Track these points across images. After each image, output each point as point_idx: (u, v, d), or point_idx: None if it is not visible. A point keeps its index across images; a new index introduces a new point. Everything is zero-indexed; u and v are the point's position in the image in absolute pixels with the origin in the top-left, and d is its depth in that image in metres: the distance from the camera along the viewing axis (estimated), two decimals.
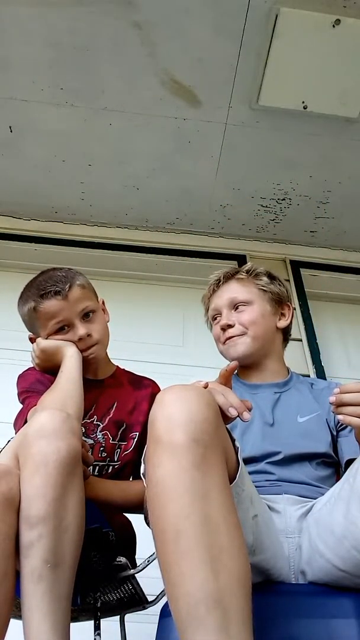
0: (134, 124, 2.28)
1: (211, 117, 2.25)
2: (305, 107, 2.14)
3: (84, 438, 1.14)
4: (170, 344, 2.48)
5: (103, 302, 1.38)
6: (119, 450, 1.22)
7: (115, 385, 1.31)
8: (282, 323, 1.39)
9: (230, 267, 1.49)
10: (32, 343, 1.31)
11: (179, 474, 0.70)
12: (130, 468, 1.25)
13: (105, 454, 1.21)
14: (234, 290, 1.38)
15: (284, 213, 2.70)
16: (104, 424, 1.22)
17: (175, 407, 0.75)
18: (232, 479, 0.79)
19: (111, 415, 1.24)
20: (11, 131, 2.33)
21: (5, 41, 1.99)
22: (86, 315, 1.26)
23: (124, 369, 1.40)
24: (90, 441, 1.19)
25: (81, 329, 1.23)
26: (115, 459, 1.22)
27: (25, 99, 2.19)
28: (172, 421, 0.74)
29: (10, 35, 1.97)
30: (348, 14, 1.85)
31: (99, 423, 1.22)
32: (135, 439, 1.23)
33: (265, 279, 1.40)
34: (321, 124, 2.24)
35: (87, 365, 1.26)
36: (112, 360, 1.42)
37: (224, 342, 1.35)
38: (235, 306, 1.36)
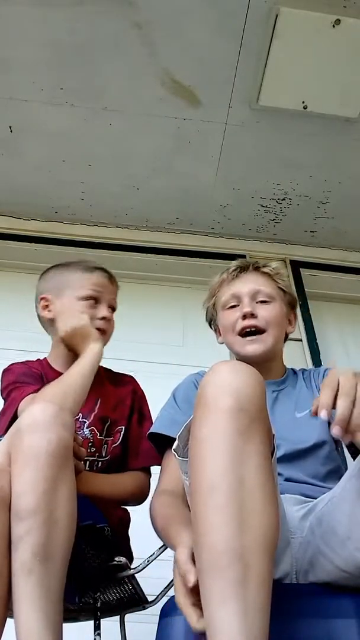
0: (134, 124, 2.28)
1: (211, 117, 2.25)
2: (305, 107, 2.14)
3: None
4: (170, 344, 2.48)
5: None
6: (106, 445, 1.24)
7: (97, 382, 1.27)
8: (290, 329, 1.37)
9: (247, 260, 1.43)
10: (42, 302, 1.33)
11: (222, 436, 0.72)
12: (118, 462, 1.26)
13: (94, 449, 1.22)
14: (259, 282, 1.32)
15: (284, 213, 2.70)
16: (90, 420, 1.23)
17: (228, 376, 0.77)
18: None
19: (96, 411, 1.25)
20: (11, 131, 2.33)
21: (5, 41, 1.99)
22: (112, 308, 1.35)
23: (102, 367, 1.36)
24: (80, 438, 1.17)
25: (106, 311, 1.31)
26: (104, 454, 1.23)
27: (25, 99, 2.19)
28: (223, 387, 0.75)
29: (10, 35, 1.97)
30: (348, 14, 1.85)
31: (84, 420, 1.23)
32: (122, 432, 1.25)
33: (287, 280, 1.39)
34: (321, 124, 2.24)
35: (70, 356, 1.25)
36: (113, 360, 1.43)
37: (241, 333, 1.27)
38: (257, 299, 1.30)
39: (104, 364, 1.39)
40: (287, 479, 1.06)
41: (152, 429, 1.18)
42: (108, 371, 1.40)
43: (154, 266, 2.76)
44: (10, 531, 0.80)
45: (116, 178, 2.54)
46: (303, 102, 2.13)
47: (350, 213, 2.69)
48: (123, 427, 1.26)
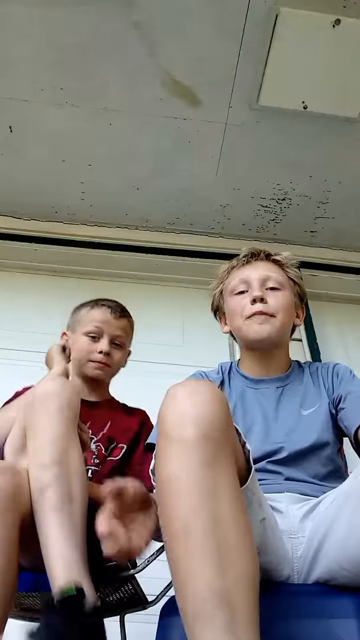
0: (134, 124, 2.28)
1: (211, 117, 2.25)
2: (305, 107, 2.14)
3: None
4: (170, 344, 2.48)
5: (129, 353, 1.53)
6: (109, 460, 1.31)
7: (110, 408, 1.43)
8: (297, 321, 1.33)
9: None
10: (63, 337, 1.49)
11: (189, 470, 0.69)
12: (116, 472, 1.30)
13: (98, 461, 1.29)
14: (270, 269, 1.29)
15: (284, 213, 2.70)
16: (98, 437, 1.32)
17: (187, 402, 0.74)
18: (241, 481, 0.78)
19: (105, 431, 1.34)
20: (11, 131, 2.33)
21: (5, 41, 1.99)
22: (116, 344, 1.44)
23: (118, 401, 1.50)
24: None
25: (106, 346, 1.40)
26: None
27: (25, 99, 2.19)
28: (184, 416, 0.73)
29: (10, 35, 1.97)
30: (348, 14, 1.85)
31: (93, 436, 1.31)
32: (123, 450, 1.32)
33: (298, 271, 1.34)
34: (321, 124, 2.24)
35: (89, 383, 1.43)
36: None
37: (250, 316, 1.23)
38: (266, 286, 1.26)
39: (116, 390, 1.51)
40: (287, 478, 1.05)
41: (150, 439, 1.16)
42: (123, 405, 1.49)
43: (154, 266, 2.75)
44: (20, 530, 0.84)
45: (116, 178, 2.54)
46: (303, 102, 2.13)
47: (350, 213, 2.69)
48: (125, 446, 1.32)
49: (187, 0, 1.85)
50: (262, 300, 1.22)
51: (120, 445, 1.33)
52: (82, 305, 1.50)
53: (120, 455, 1.31)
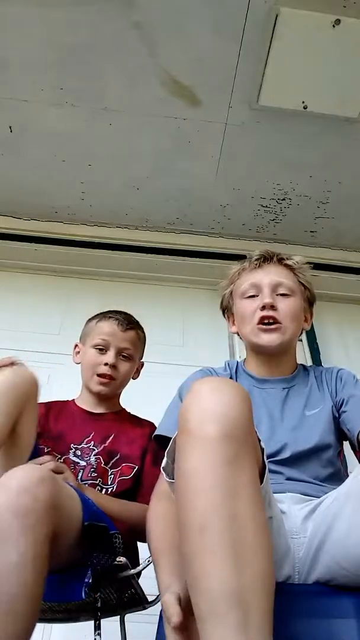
0: (134, 124, 2.28)
1: (211, 117, 2.25)
2: (305, 107, 2.14)
3: (77, 459, 1.27)
4: (170, 344, 2.48)
5: (142, 365, 1.53)
6: (112, 475, 1.29)
7: (117, 420, 1.41)
8: (306, 326, 1.34)
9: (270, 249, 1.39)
10: (75, 349, 1.50)
11: (210, 468, 0.69)
12: (127, 496, 1.29)
13: (96, 474, 1.28)
14: (282, 274, 1.29)
15: (284, 213, 2.70)
16: (99, 450, 1.31)
17: (210, 400, 0.74)
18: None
19: (107, 444, 1.32)
20: (11, 131, 2.33)
21: (5, 41, 1.99)
22: (124, 356, 1.43)
23: (129, 412, 1.48)
24: (84, 463, 1.29)
25: (112, 358, 1.40)
26: (109, 482, 1.29)
27: (25, 99, 2.19)
28: (207, 413, 0.72)
29: (10, 35, 1.97)
30: (348, 14, 1.85)
31: (94, 448, 1.31)
32: (134, 470, 1.30)
33: (309, 275, 1.36)
34: (321, 124, 2.24)
35: (93, 397, 1.42)
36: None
37: (260, 322, 1.23)
38: (277, 292, 1.27)
39: (127, 401, 1.49)
40: (288, 478, 1.06)
41: (158, 431, 1.17)
42: (132, 416, 1.47)
43: (154, 266, 2.75)
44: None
45: (116, 178, 2.54)
46: (303, 102, 2.13)
47: (350, 213, 2.69)
48: (136, 467, 1.31)
49: (187, 0, 1.85)
50: (272, 307, 1.23)
51: (131, 465, 1.31)
52: (93, 317, 1.51)
53: (132, 475, 1.29)
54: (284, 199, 2.63)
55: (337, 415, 1.17)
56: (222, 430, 0.70)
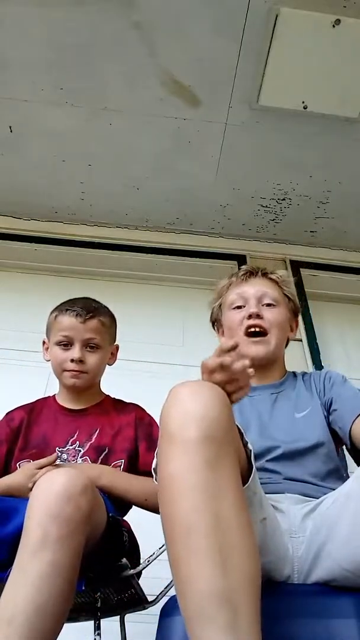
0: (134, 124, 2.28)
1: (211, 117, 2.25)
2: (305, 107, 2.14)
3: (64, 463, 1.22)
4: (170, 344, 2.48)
5: (116, 348, 1.46)
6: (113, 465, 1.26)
7: (100, 412, 1.36)
8: (291, 335, 1.41)
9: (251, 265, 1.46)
10: (44, 346, 1.43)
11: (191, 470, 0.70)
12: None
13: None
14: (267, 286, 1.37)
15: (284, 213, 2.70)
16: (85, 450, 1.28)
17: (190, 401, 0.75)
18: (243, 480, 0.78)
19: (92, 441, 1.28)
20: (11, 131, 2.33)
21: (5, 41, 1.99)
22: (90, 346, 1.36)
23: (113, 398, 1.43)
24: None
25: (77, 353, 1.33)
26: None
27: (25, 99, 2.19)
28: (187, 416, 0.73)
29: (10, 35, 1.97)
30: (348, 14, 1.85)
31: (80, 449, 1.28)
32: (121, 466, 1.25)
33: (293, 288, 1.44)
34: (321, 124, 2.24)
35: (70, 392, 1.37)
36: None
37: (246, 332, 1.29)
38: (263, 302, 1.34)
39: (108, 386, 1.45)
40: (286, 478, 1.06)
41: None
42: (116, 401, 1.43)
43: (154, 266, 2.75)
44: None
45: (116, 178, 2.54)
46: (303, 102, 2.13)
47: (350, 213, 2.69)
48: (122, 461, 1.26)
49: (187, 0, 1.85)
50: (257, 316, 1.30)
51: (118, 461, 1.27)
52: (52, 310, 1.43)
53: (121, 468, 1.26)
54: (284, 199, 2.63)
55: (326, 414, 1.19)
56: (202, 432, 0.72)
